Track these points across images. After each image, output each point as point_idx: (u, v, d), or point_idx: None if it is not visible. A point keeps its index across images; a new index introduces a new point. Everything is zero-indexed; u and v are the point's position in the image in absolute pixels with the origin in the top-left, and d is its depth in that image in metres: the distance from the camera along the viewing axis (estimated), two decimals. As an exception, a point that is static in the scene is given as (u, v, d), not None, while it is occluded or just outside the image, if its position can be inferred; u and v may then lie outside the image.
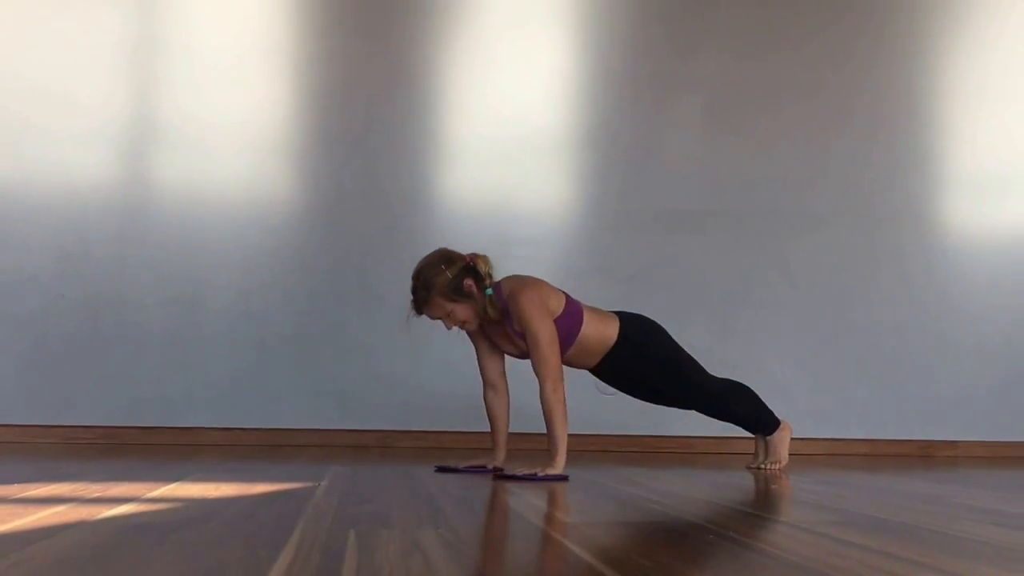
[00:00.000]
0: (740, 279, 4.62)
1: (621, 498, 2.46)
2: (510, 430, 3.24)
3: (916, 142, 4.84)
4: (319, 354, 4.35)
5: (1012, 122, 4.86)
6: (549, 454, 2.97)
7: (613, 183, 4.64)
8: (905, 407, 4.65)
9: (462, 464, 3.17)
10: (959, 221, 4.82)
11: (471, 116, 4.58)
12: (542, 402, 3.01)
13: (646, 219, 4.61)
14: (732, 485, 2.94)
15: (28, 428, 4.15)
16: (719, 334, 4.55)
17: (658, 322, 3.45)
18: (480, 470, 3.12)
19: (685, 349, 3.44)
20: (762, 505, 2.48)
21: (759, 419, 3.53)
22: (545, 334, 3.03)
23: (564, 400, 3.01)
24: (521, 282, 3.14)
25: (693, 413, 3.57)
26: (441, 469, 3.12)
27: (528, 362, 3.12)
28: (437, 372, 4.23)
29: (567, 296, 3.22)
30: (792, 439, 3.59)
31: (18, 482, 2.44)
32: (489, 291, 3.08)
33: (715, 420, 3.62)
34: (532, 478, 2.86)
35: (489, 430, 3.25)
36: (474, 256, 3.11)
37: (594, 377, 3.47)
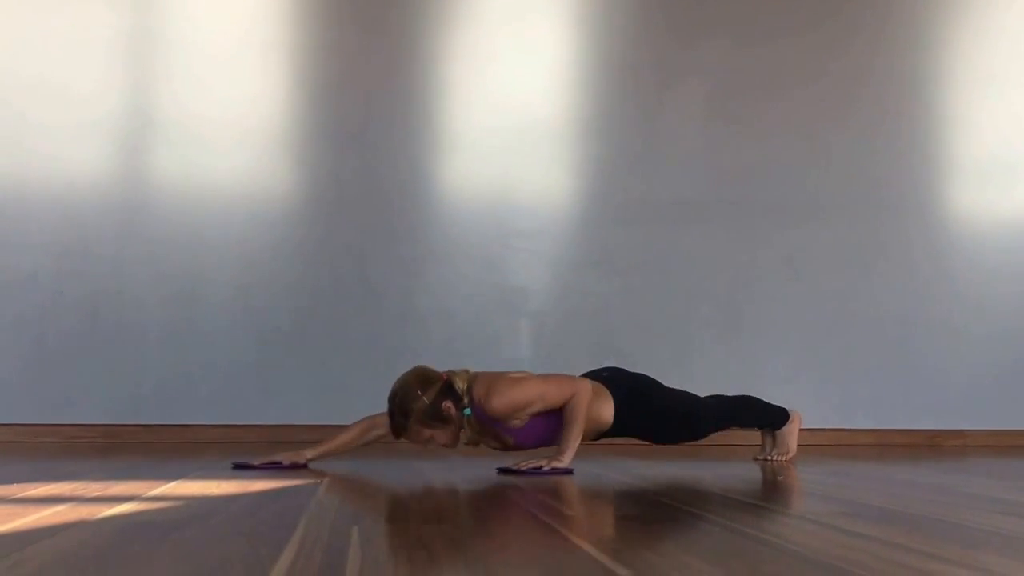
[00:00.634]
0: (744, 270, 4.61)
1: (625, 490, 2.45)
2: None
3: (921, 129, 4.81)
4: (319, 350, 4.33)
5: (1018, 108, 4.84)
6: (559, 447, 2.94)
7: (614, 174, 4.62)
8: (912, 397, 4.64)
9: (259, 460, 3.02)
10: (965, 209, 4.80)
11: (471, 108, 4.56)
12: (566, 410, 2.99)
13: (647, 210, 4.59)
14: (739, 477, 2.93)
15: (27, 427, 4.14)
16: (723, 325, 4.53)
17: (644, 374, 3.40)
18: (276, 466, 3.00)
19: (679, 390, 3.41)
20: (769, 497, 2.47)
21: (767, 419, 3.55)
22: (535, 387, 3.00)
23: (588, 400, 3.00)
24: (489, 389, 2.99)
25: None
26: (239, 466, 2.96)
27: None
28: (437, 367, 4.20)
29: None
30: (800, 430, 3.58)
31: (18, 481, 2.43)
32: (467, 412, 2.99)
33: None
34: (537, 472, 2.84)
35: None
36: (451, 374, 3.02)
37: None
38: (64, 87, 4.30)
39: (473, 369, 3.08)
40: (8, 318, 4.21)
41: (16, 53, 4.30)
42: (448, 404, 2.97)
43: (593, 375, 3.29)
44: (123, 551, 1.49)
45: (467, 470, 3.03)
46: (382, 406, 4.40)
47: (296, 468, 3.00)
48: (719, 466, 3.29)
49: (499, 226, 4.47)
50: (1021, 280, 4.77)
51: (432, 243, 4.42)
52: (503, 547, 1.63)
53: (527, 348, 4.41)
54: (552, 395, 3.01)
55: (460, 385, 2.99)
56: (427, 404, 2.96)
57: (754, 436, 3.75)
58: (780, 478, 2.91)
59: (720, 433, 3.98)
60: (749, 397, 3.55)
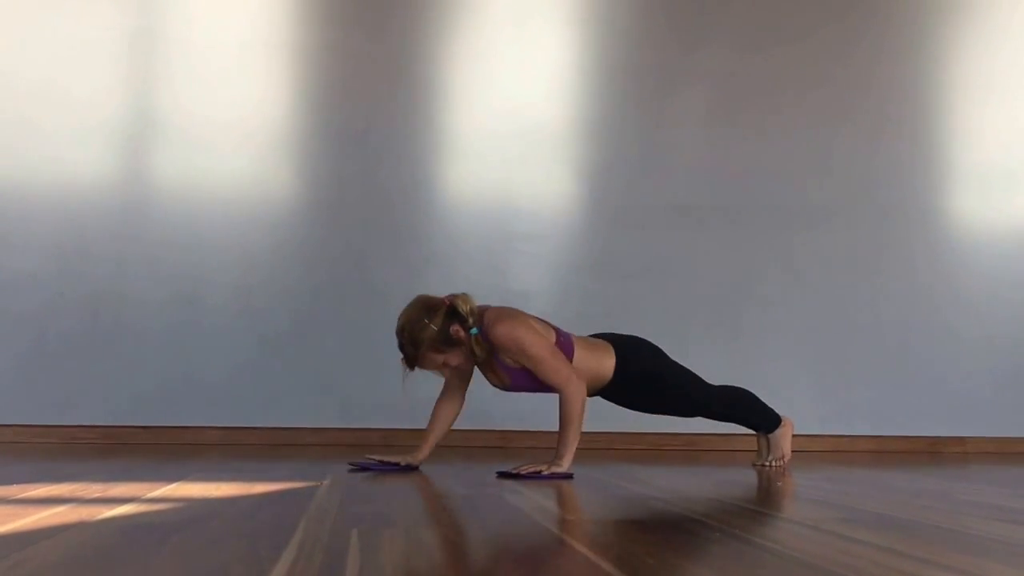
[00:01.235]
0: (744, 275, 4.61)
1: (625, 496, 2.45)
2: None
3: (922, 135, 4.82)
4: (321, 352, 4.34)
5: (1019, 115, 4.84)
6: (556, 452, 2.95)
7: (616, 177, 4.62)
8: (912, 403, 4.64)
9: (375, 459, 3.12)
10: (966, 215, 4.80)
11: (472, 110, 4.56)
12: (562, 402, 2.98)
13: (649, 214, 4.59)
14: (736, 482, 2.93)
15: (27, 428, 4.14)
16: (723, 330, 4.54)
17: (649, 340, 3.42)
18: (393, 467, 3.08)
19: (680, 363, 3.42)
20: (767, 502, 2.47)
21: (760, 419, 3.55)
22: (541, 348, 3.00)
23: (585, 403, 2.99)
24: (499, 312, 3.08)
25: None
26: (356, 468, 3.06)
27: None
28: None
29: (556, 330, 3.16)
30: (798, 436, 3.60)
31: (18, 482, 2.43)
32: (474, 331, 3.02)
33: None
34: (537, 476, 2.84)
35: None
36: (452, 297, 3.03)
37: None
38: (66, 89, 4.30)
39: (472, 298, 3.08)
40: (9, 318, 4.21)
41: (18, 55, 4.31)
42: (456, 327, 3.00)
43: (598, 335, 3.33)
44: (123, 553, 1.49)
45: (467, 474, 3.03)
46: (384, 410, 4.42)
47: (410, 470, 3.07)
48: (717, 472, 3.29)
49: (501, 229, 4.48)
50: (1022, 287, 4.78)
51: (434, 246, 4.42)
52: (503, 552, 1.63)
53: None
54: (548, 366, 2.99)
55: (463, 307, 3.02)
56: (436, 331, 2.98)
57: (751, 442, 3.75)
58: (778, 484, 2.91)
59: (718, 436, 3.98)
60: (747, 391, 3.55)
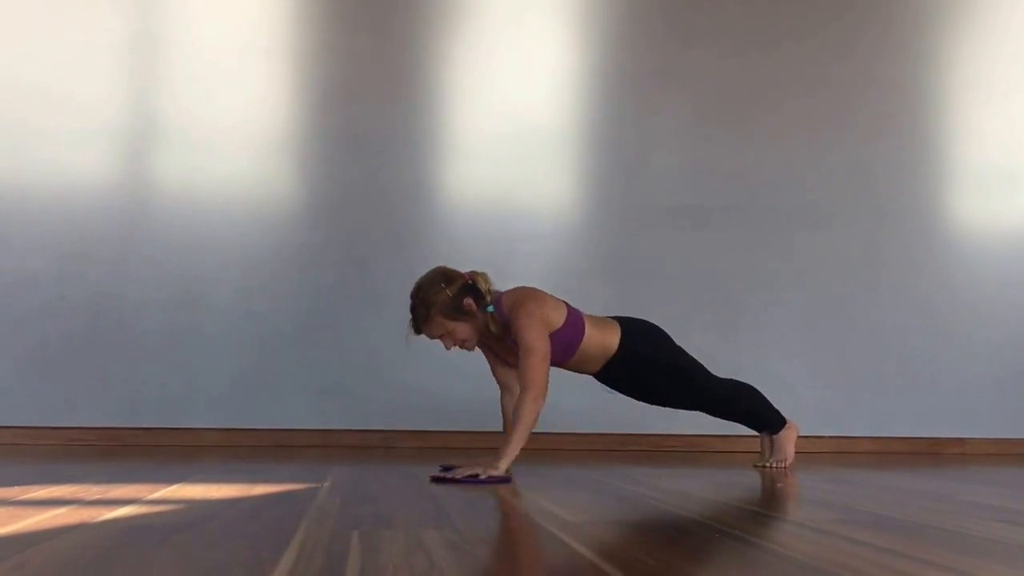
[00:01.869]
0: (745, 276, 4.61)
1: (626, 497, 2.45)
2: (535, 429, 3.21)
3: (922, 136, 4.82)
4: (321, 353, 4.34)
5: (1019, 116, 4.85)
6: (498, 452, 2.85)
7: (616, 179, 4.63)
8: (913, 404, 4.64)
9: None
10: (966, 216, 4.80)
11: (472, 112, 4.57)
12: (518, 408, 2.91)
13: (649, 215, 4.59)
14: (737, 483, 2.93)
15: (28, 429, 4.14)
16: (724, 331, 4.54)
17: (659, 325, 3.43)
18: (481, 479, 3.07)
19: (687, 351, 3.42)
20: (768, 503, 2.47)
21: (764, 418, 3.53)
22: (539, 349, 2.98)
23: (538, 414, 2.93)
24: (523, 295, 3.11)
25: (698, 412, 3.56)
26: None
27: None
28: (440, 372, 4.21)
29: (568, 306, 3.20)
30: (800, 437, 3.59)
31: (18, 484, 2.43)
32: (490, 308, 3.05)
33: (720, 419, 3.62)
34: (474, 480, 2.72)
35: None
36: (473, 273, 3.09)
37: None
38: (67, 92, 4.31)
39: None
40: (10, 320, 4.22)
41: (19, 58, 4.31)
42: (470, 300, 3.03)
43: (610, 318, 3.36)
44: (124, 554, 1.49)
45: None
46: (385, 411, 4.41)
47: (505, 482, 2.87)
48: (719, 473, 3.29)
49: (501, 231, 4.48)
50: (1022, 288, 4.78)
51: (434, 247, 4.42)
52: (504, 553, 1.63)
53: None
54: (531, 362, 2.93)
55: (483, 284, 3.07)
56: (450, 297, 3.02)
57: (753, 443, 3.75)
58: (779, 485, 2.91)
59: (719, 437, 3.97)
60: (753, 388, 3.54)
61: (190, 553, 1.50)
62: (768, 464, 3.50)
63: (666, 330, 3.45)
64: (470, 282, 3.07)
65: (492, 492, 2.52)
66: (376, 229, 4.44)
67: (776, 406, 3.57)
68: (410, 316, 3.09)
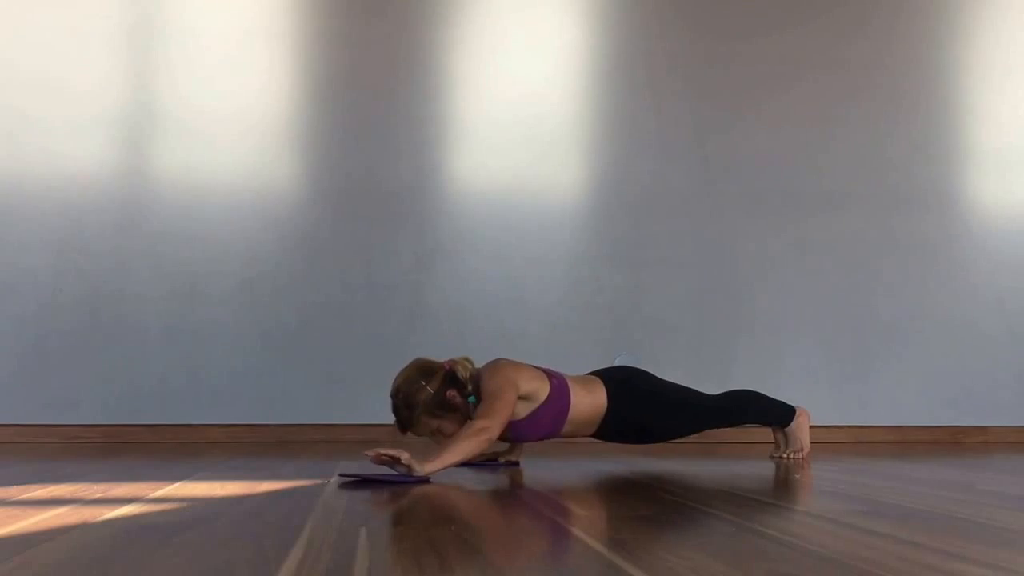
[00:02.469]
0: (757, 263, 4.58)
1: (639, 490, 2.43)
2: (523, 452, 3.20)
3: (938, 119, 4.78)
4: (325, 347, 4.31)
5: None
6: (435, 453, 2.68)
7: (625, 166, 4.59)
8: (932, 392, 4.60)
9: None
10: (985, 200, 4.76)
11: (479, 100, 4.53)
12: (468, 428, 2.75)
13: (659, 202, 4.56)
14: (753, 475, 2.90)
15: (27, 427, 4.12)
16: (736, 320, 4.50)
17: (639, 367, 3.41)
18: (493, 463, 3.12)
19: (673, 381, 3.39)
20: (784, 495, 2.44)
21: (771, 415, 3.53)
22: (504, 399, 2.85)
23: (481, 447, 2.74)
24: (495, 366, 3.00)
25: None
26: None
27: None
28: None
29: (550, 377, 3.09)
30: (816, 427, 3.56)
31: (18, 483, 2.42)
32: (472, 399, 2.95)
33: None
34: (389, 478, 2.56)
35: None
36: (452, 362, 2.98)
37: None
38: (64, 81, 4.27)
39: (472, 361, 3.03)
40: (7, 316, 4.19)
41: (15, 47, 4.28)
42: (453, 392, 2.94)
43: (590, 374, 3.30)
44: (126, 554, 1.47)
45: (476, 472, 3.00)
46: (387, 406, 4.38)
47: (510, 465, 3.10)
48: (734, 464, 3.27)
49: (508, 220, 4.45)
50: (1043, 274, 4.74)
51: (440, 237, 4.39)
52: (514, 548, 1.61)
53: (539, 343, 4.35)
54: (489, 406, 2.83)
55: (463, 373, 2.96)
56: (432, 394, 2.92)
57: (768, 435, 3.72)
58: (796, 476, 2.88)
59: (736, 430, 3.95)
60: (751, 391, 3.52)
61: (194, 552, 1.47)
62: (785, 455, 3.47)
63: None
64: (450, 372, 2.95)
65: (495, 492, 2.50)
66: (381, 219, 4.40)
67: (793, 395, 3.54)
68: (393, 417, 2.97)
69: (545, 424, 3.05)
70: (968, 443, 4.48)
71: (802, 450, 3.48)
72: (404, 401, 2.93)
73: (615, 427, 3.24)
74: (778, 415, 3.51)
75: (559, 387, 3.08)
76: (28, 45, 4.28)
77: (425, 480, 2.56)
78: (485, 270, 4.38)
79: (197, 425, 4.21)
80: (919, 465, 3.31)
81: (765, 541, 1.63)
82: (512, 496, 2.34)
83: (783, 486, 2.66)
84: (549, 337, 4.41)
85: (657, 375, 3.38)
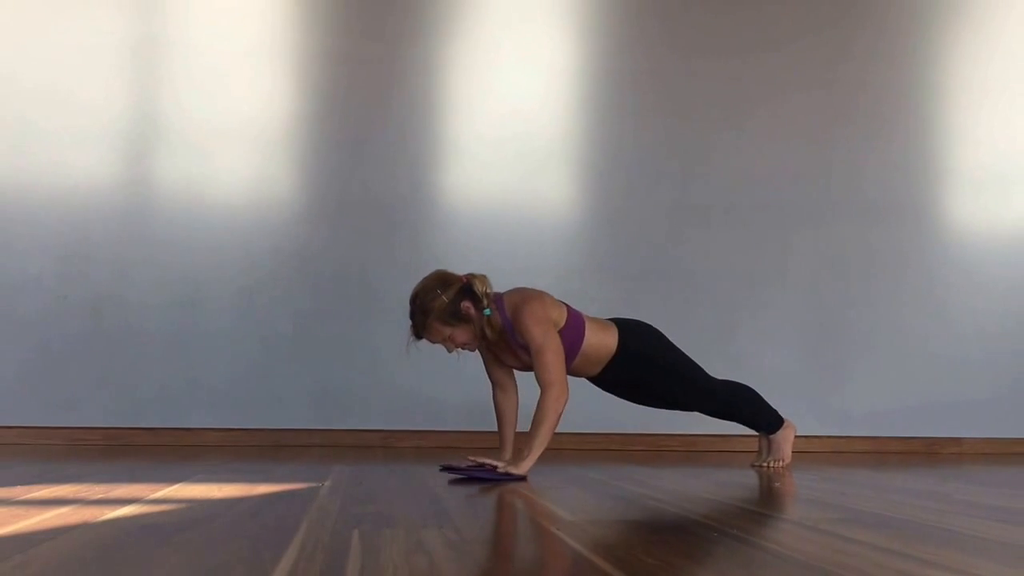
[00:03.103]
0: (742, 276, 4.62)
1: (624, 496, 2.46)
2: (518, 429, 3.22)
3: (919, 138, 4.83)
4: (321, 354, 4.35)
5: (1013, 119, 4.85)
6: (523, 451, 2.90)
7: (614, 181, 4.63)
8: (909, 404, 4.65)
9: (465, 463, 3.03)
10: (962, 217, 4.81)
11: (473, 116, 4.57)
12: (540, 407, 2.94)
13: (647, 217, 4.60)
14: (735, 483, 2.94)
15: (30, 429, 4.15)
16: (721, 331, 4.54)
17: (656, 326, 3.44)
18: (491, 474, 3.04)
19: (684, 352, 3.43)
20: (766, 503, 2.47)
21: (761, 418, 3.54)
22: (551, 346, 3.01)
23: (562, 412, 2.96)
24: (524, 296, 3.11)
25: (695, 412, 3.56)
26: (446, 468, 3.00)
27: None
28: (439, 372, 4.20)
29: (568, 308, 3.20)
30: (796, 437, 3.60)
31: (21, 483, 2.44)
32: (487, 311, 3.05)
33: (718, 419, 3.62)
34: (489, 476, 2.78)
35: (497, 429, 3.26)
36: (470, 276, 3.08)
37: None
38: (69, 93, 4.31)
39: (490, 281, 3.12)
40: (12, 321, 4.23)
41: (22, 60, 4.32)
42: (467, 304, 3.03)
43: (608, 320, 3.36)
44: (126, 553, 1.50)
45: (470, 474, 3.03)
46: (385, 411, 4.43)
47: (512, 479, 2.88)
48: (717, 472, 3.30)
49: (500, 233, 4.48)
50: (1017, 289, 4.79)
51: (434, 248, 4.43)
52: (504, 553, 1.64)
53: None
54: (544, 360, 2.97)
55: (480, 287, 3.06)
56: (446, 302, 3.02)
57: (750, 443, 3.76)
58: (777, 485, 2.92)
59: (716, 437, 3.98)
60: (750, 389, 3.54)
61: (192, 552, 1.50)
62: (765, 463, 3.50)
63: (664, 330, 3.45)
64: (467, 285, 3.07)
65: (493, 491, 2.53)
66: (376, 230, 4.45)
67: (774, 406, 3.57)
68: (410, 322, 3.09)
69: None
70: (943, 454, 4.52)
71: (783, 460, 3.51)
72: (420, 307, 3.04)
73: (617, 375, 3.31)
74: (767, 421, 3.54)
75: (575, 319, 3.18)
76: (36, 59, 4.32)
77: (522, 478, 2.77)
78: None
79: (196, 428, 4.24)
80: (896, 475, 3.35)
81: (747, 547, 1.66)
82: (503, 501, 2.37)
83: (765, 493, 2.69)
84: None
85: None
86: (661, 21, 4.72)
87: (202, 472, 2.85)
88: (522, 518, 2.06)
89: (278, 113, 4.46)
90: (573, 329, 3.16)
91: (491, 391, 3.28)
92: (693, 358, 3.44)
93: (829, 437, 4.52)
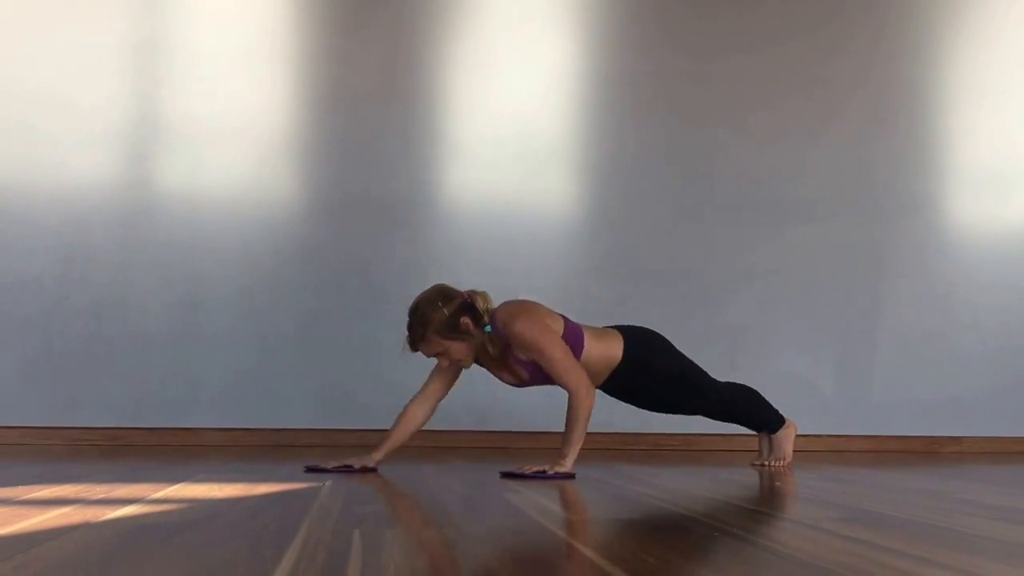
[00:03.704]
0: (741, 276, 4.62)
1: (625, 495, 2.46)
2: (401, 444, 3.18)
3: (917, 137, 4.83)
4: (322, 354, 4.35)
5: (1011, 118, 4.85)
6: (560, 451, 2.95)
7: (616, 180, 4.63)
8: (909, 403, 4.65)
9: (331, 464, 3.02)
10: (961, 216, 4.81)
11: (473, 116, 4.57)
12: (568, 412, 2.97)
13: (647, 216, 4.60)
14: (736, 482, 2.94)
15: (32, 430, 4.15)
16: (722, 330, 4.54)
17: (657, 328, 3.44)
18: (348, 470, 2.99)
19: (688, 357, 3.42)
20: (766, 502, 2.48)
21: (763, 418, 3.54)
22: (557, 350, 3.01)
23: (592, 407, 3.00)
24: (515, 308, 3.09)
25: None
26: (310, 469, 2.98)
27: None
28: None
29: (565, 319, 3.18)
30: (796, 436, 3.59)
31: (23, 483, 2.44)
32: (487, 328, 3.04)
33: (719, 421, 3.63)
34: (541, 476, 2.85)
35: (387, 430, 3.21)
36: (472, 293, 3.07)
37: None
38: (70, 96, 4.32)
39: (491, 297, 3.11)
40: (14, 322, 4.23)
41: (23, 63, 4.32)
42: (467, 320, 3.02)
43: (608, 327, 3.36)
44: (127, 553, 1.50)
45: (469, 474, 3.04)
46: (386, 411, 4.41)
47: (366, 472, 2.99)
48: (718, 471, 3.30)
49: (502, 233, 4.49)
50: (1017, 288, 4.79)
51: (434, 248, 4.43)
52: (505, 552, 1.64)
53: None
54: (561, 367, 3.00)
55: (481, 304, 3.05)
56: (447, 315, 3.01)
57: (751, 442, 3.76)
58: (778, 484, 2.92)
59: (717, 436, 3.98)
60: (752, 389, 3.54)
61: (193, 552, 1.51)
62: (766, 463, 3.50)
63: (664, 331, 3.45)
64: (468, 301, 3.05)
65: (492, 491, 2.53)
66: (376, 230, 4.45)
67: (775, 405, 3.57)
68: (406, 333, 3.07)
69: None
70: (943, 453, 4.52)
71: (784, 459, 3.51)
72: (419, 319, 3.03)
73: (623, 383, 3.30)
74: (769, 420, 3.54)
75: (573, 330, 3.16)
76: (37, 62, 4.32)
77: (571, 475, 2.87)
78: (477, 281, 4.41)
79: (197, 428, 4.25)
80: (896, 474, 3.35)
81: (748, 546, 1.66)
82: (503, 500, 2.37)
83: (765, 493, 2.69)
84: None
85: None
86: (661, 21, 4.72)
87: (203, 472, 2.86)
88: (522, 517, 2.06)
89: (278, 114, 4.46)
90: (571, 340, 3.12)
91: (415, 393, 3.20)
92: (693, 359, 3.44)
93: (829, 436, 4.52)
